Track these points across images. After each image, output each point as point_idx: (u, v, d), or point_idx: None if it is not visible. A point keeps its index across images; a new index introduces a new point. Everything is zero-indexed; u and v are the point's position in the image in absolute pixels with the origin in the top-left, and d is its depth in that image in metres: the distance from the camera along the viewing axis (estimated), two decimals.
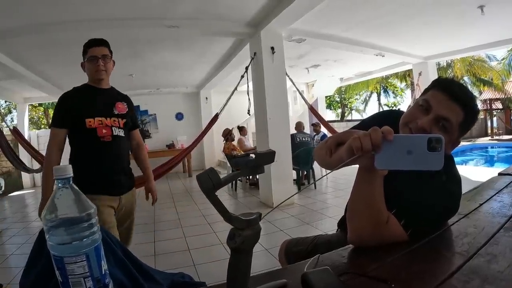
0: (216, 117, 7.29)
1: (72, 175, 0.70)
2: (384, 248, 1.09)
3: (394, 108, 27.20)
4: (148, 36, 6.21)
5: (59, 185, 0.69)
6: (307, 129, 10.72)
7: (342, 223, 1.72)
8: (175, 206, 6.83)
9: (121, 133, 2.48)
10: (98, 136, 2.36)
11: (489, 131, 24.12)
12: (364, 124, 1.46)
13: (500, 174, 2.41)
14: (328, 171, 1.13)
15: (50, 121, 2.75)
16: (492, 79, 20.75)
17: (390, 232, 1.13)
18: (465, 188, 1.46)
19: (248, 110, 6.70)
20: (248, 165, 0.71)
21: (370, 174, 1.07)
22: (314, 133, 10.01)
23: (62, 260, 0.66)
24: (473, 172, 6.95)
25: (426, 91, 1.31)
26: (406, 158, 0.87)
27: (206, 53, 7.98)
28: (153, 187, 2.86)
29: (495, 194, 1.86)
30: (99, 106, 2.42)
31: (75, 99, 2.41)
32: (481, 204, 1.66)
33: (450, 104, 1.20)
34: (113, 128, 2.43)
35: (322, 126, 9.68)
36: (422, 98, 1.27)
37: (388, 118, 1.42)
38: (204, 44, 7.23)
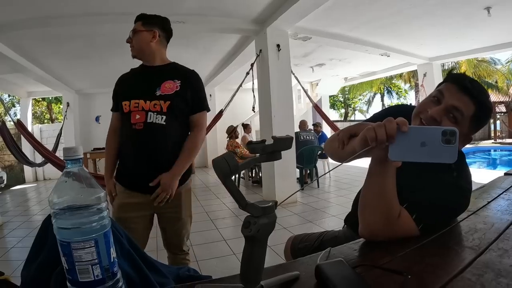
0: (220, 113, 7.28)
1: (81, 156, 0.67)
2: (396, 242, 1.09)
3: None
4: None
5: (68, 166, 0.66)
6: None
7: (348, 219, 1.72)
8: None
9: (161, 120, 2.04)
10: (131, 122, 2.04)
11: (492, 134, 24.05)
12: (376, 118, 1.45)
13: (506, 174, 2.42)
14: (335, 165, 1.13)
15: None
16: (496, 82, 20.71)
17: (402, 226, 1.12)
18: None
19: (253, 107, 6.67)
20: (266, 150, 0.68)
21: (383, 167, 1.06)
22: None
23: (69, 245, 0.63)
24: (476, 174, 6.93)
25: (439, 85, 1.32)
26: (420, 150, 0.87)
27: (211, 49, 7.97)
28: (165, 181, 2.04)
29: (502, 193, 1.86)
30: (142, 86, 2.10)
31: (124, 80, 2.23)
32: (489, 202, 1.67)
33: (461, 96, 1.20)
34: (149, 113, 2.02)
35: (324, 125, 9.66)
36: (436, 90, 1.29)
37: (400, 112, 1.38)
38: (210, 40, 7.22)
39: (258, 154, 0.70)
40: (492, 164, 14.89)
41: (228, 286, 0.83)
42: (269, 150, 0.68)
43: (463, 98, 1.20)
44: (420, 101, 1.47)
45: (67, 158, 0.65)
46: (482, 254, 0.98)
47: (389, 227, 1.11)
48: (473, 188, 1.36)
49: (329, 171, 3.56)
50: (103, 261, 0.65)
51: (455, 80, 1.25)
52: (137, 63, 2.28)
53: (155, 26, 2.22)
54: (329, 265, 0.82)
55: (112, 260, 0.68)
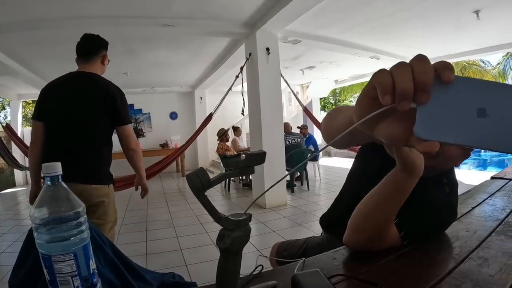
0: (210, 117, 7.29)
1: (60, 172, 0.69)
2: (376, 250, 1.08)
3: None
4: (143, 35, 6.18)
5: (48, 182, 0.68)
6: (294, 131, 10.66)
7: (329, 226, 1.66)
8: (168, 206, 6.81)
9: None
10: None
11: None
12: None
13: (492, 177, 2.41)
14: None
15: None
16: None
17: (387, 242, 1.09)
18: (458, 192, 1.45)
19: (242, 111, 6.69)
20: (239, 165, 0.70)
21: (408, 174, 0.89)
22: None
23: (50, 258, 0.65)
24: (466, 175, 7.00)
25: None
26: (475, 124, 0.44)
27: (201, 52, 7.97)
28: None
29: (487, 198, 1.87)
30: None
31: None
32: (473, 208, 1.67)
33: None
34: None
35: (315, 129, 9.65)
36: None
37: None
38: (200, 43, 7.22)
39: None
40: (482, 165, 15.07)
41: None
42: (242, 165, 0.70)
43: None
44: None
45: (46, 174, 0.67)
46: (461, 263, 0.99)
47: (377, 243, 1.08)
48: (461, 191, 1.37)
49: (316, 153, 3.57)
50: (83, 272, 0.68)
51: None
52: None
53: None
54: (304, 276, 0.83)
55: (91, 272, 0.70)
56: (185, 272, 3.47)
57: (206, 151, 12.74)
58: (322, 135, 0.93)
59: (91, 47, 2.58)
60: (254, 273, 0.92)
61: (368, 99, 0.50)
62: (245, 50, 6.55)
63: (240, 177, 8.82)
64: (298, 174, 8.22)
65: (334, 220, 1.57)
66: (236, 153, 8.53)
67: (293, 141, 8.03)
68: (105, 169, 2.51)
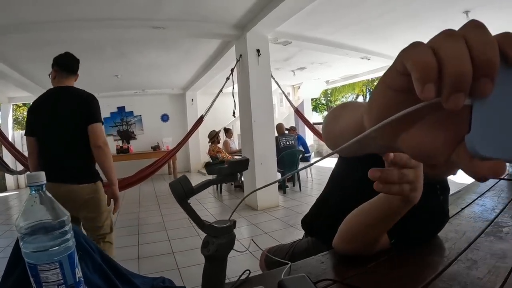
0: (201, 119, 7.27)
1: (44, 181, 0.69)
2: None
3: None
4: (133, 37, 6.14)
5: (32, 192, 0.68)
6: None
7: (312, 230, 1.63)
8: (160, 209, 6.77)
9: None
10: None
11: None
12: None
13: None
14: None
15: None
16: None
17: (378, 248, 1.07)
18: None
19: (234, 112, 6.69)
20: (222, 173, 0.71)
21: (409, 203, 0.85)
22: None
23: (36, 267, 0.66)
24: (457, 175, 7.03)
25: None
26: None
27: (192, 54, 7.95)
28: None
29: (477, 198, 1.89)
30: None
31: None
32: (462, 209, 1.69)
33: None
34: None
35: (306, 131, 9.62)
36: None
37: None
38: (190, 45, 7.20)
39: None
40: None
41: None
42: (225, 172, 0.71)
43: None
44: None
45: (31, 184, 0.67)
46: (450, 266, 0.99)
47: (367, 251, 1.06)
48: (451, 191, 1.36)
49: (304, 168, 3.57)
50: (68, 280, 0.68)
51: None
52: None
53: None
54: (291, 281, 0.83)
55: (77, 280, 0.70)
56: (177, 275, 3.46)
57: (198, 153, 12.67)
58: (324, 138, 0.66)
59: (74, 66, 2.88)
60: (241, 278, 0.91)
61: (391, 91, 0.33)
62: (235, 52, 6.54)
63: None
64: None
65: (318, 224, 1.54)
66: (228, 155, 8.51)
67: (288, 143, 7.94)
68: (89, 168, 2.73)
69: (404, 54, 0.30)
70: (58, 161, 2.61)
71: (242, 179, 7.45)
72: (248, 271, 0.94)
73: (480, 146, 0.27)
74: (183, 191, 0.65)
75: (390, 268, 1.00)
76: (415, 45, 0.30)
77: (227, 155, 8.41)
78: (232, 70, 6.64)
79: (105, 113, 10.34)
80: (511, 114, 0.27)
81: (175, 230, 5.20)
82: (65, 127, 2.63)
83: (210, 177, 8.94)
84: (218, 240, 0.69)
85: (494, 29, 0.24)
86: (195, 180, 10.38)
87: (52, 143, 2.64)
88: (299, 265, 1.06)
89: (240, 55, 6.29)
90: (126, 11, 5.10)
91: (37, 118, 2.72)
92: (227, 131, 9.61)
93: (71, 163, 2.63)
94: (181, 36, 6.29)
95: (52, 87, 2.81)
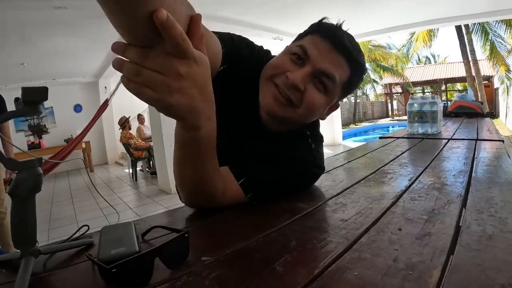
0: (106, 103, 6.96)
1: None
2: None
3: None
4: (36, 19, 5.58)
5: None
6: None
7: None
8: (73, 202, 6.58)
9: None
10: None
11: (390, 113, 27.71)
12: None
13: (381, 138, 2.58)
14: None
15: None
16: (393, 66, 22.48)
17: (228, 200, 0.90)
18: None
19: None
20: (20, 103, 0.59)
21: (190, 133, 0.69)
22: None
23: None
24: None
25: (301, 36, 1.00)
26: None
27: (100, 38, 7.44)
28: None
29: (368, 153, 1.92)
30: None
31: None
32: (349, 161, 1.67)
33: (336, 57, 0.90)
34: None
35: None
36: (297, 45, 0.94)
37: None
38: (96, 28, 6.71)
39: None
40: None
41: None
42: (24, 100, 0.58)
43: (338, 60, 0.90)
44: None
45: None
46: (313, 210, 0.89)
47: (214, 203, 0.89)
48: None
49: None
50: None
51: (328, 33, 0.92)
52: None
53: None
54: (112, 227, 0.75)
55: None
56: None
57: (115, 144, 12.11)
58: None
59: None
60: (77, 235, 0.78)
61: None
62: None
63: (148, 166, 8.58)
64: None
65: None
66: (141, 140, 8.26)
67: None
68: None
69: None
70: None
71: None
72: (87, 226, 0.82)
73: None
74: None
75: (242, 216, 0.88)
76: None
77: (140, 141, 8.13)
78: None
79: (13, 107, 9.61)
80: None
81: (87, 221, 4.96)
82: None
83: (127, 168, 8.68)
84: (19, 175, 0.59)
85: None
86: (113, 171, 10.04)
87: None
88: (147, 221, 0.90)
89: None
90: None
91: None
92: (139, 117, 9.31)
93: None
94: (85, 17, 5.85)
95: None
